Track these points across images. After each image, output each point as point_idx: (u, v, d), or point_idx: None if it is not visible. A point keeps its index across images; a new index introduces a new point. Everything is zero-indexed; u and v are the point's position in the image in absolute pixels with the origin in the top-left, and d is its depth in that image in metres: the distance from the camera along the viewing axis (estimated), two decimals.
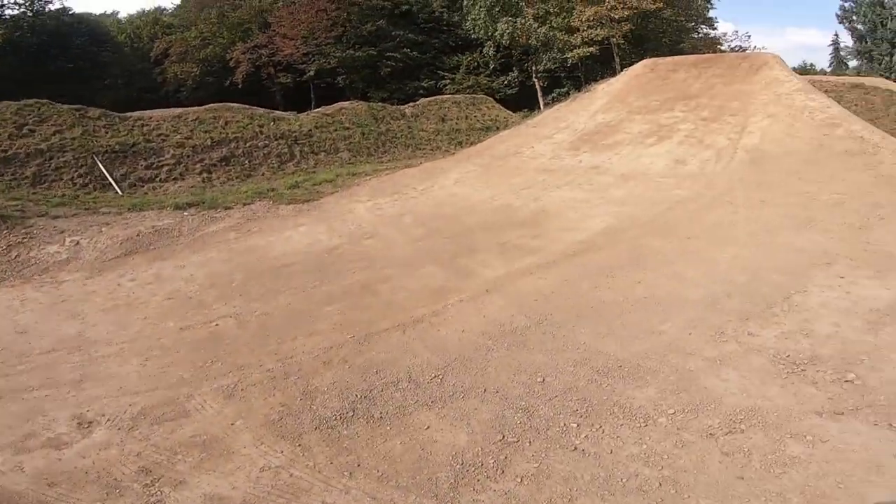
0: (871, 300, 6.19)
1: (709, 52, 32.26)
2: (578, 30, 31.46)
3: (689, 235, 9.29)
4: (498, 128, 24.56)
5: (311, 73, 38.02)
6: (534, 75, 33.70)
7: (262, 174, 19.22)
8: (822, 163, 11.76)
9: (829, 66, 75.00)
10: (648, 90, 18.88)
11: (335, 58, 37.56)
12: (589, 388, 5.17)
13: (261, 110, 22.03)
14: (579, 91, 23.94)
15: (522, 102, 36.35)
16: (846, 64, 75.58)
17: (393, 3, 42.52)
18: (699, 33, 41.33)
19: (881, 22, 66.57)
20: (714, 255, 8.25)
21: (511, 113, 29.39)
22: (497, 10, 33.90)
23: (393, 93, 38.91)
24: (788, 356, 5.35)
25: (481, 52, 38.35)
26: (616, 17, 29.73)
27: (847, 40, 69.86)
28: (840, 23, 71.24)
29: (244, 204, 13.59)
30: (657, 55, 26.02)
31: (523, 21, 31.74)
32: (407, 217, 12.37)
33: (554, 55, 32.86)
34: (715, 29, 41.37)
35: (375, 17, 40.59)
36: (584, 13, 30.61)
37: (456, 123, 25.95)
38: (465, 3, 35.47)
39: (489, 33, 34.03)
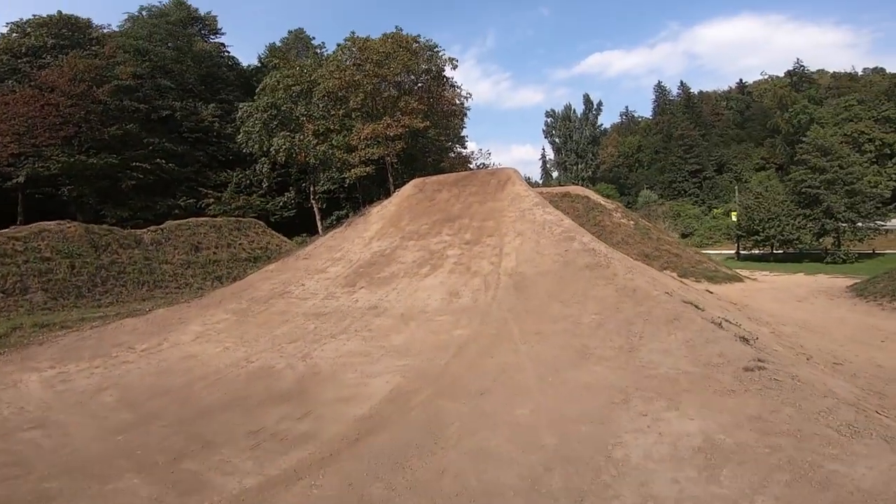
0: (685, 437, 5.80)
1: (463, 170, 34.70)
2: (357, 148, 30.98)
3: (482, 390, 7.78)
4: (268, 258, 21.40)
5: (21, 178, 29.94)
6: (312, 196, 31.86)
7: None
8: (571, 281, 11.75)
9: (540, 177, 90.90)
10: (418, 212, 18.16)
11: (58, 162, 30.36)
12: None
13: None
14: (357, 213, 22.52)
15: (301, 226, 34.09)
16: (551, 175, 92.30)
17: (150, 107, 37.42)
18: (454, 152, 45.08)
19: (569, 135, 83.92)
20: (514, 413, 6.91)
21: (285, 239, 26.64)
22: (275, 124, 31.78)
23: (138, 212, 33.04)
24: None
25: (255, 168, 35.32)
26: (391, 134, 30.04)
27: (550, 153, 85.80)
28: (545, 138, 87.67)
29: None
30: (424, 174, 26.61)
31: (302, 137, 30.06)
32: (108, 394, 8.78)
33: (333, 174, 31.66)
34: (465, 148, 45.72)
35: (125, 119, 34.88)
36: (363, 131, 30.37)
37: (214, 253, 22.04)
38: (239, 113, 32.64)
39: (264, 148, 31.44)
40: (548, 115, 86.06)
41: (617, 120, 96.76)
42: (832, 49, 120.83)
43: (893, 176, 61.43)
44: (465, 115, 37.22)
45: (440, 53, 33.93)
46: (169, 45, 41.48)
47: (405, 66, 31.46)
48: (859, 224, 48.94)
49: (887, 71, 76.93)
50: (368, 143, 31.27)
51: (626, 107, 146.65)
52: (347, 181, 31.35)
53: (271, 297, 14.13)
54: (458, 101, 35.41)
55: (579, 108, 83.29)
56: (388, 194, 29.66)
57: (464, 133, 44.48)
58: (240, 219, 26.45)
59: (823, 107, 68.49)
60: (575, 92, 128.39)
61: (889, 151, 61.74)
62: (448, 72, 34.48)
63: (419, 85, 34.11)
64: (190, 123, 41.03)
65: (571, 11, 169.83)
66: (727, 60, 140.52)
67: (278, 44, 51.81)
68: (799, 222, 49.40)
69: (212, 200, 36.08)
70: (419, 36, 33.42)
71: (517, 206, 16.23)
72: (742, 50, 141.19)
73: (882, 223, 51.06)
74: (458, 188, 18.76)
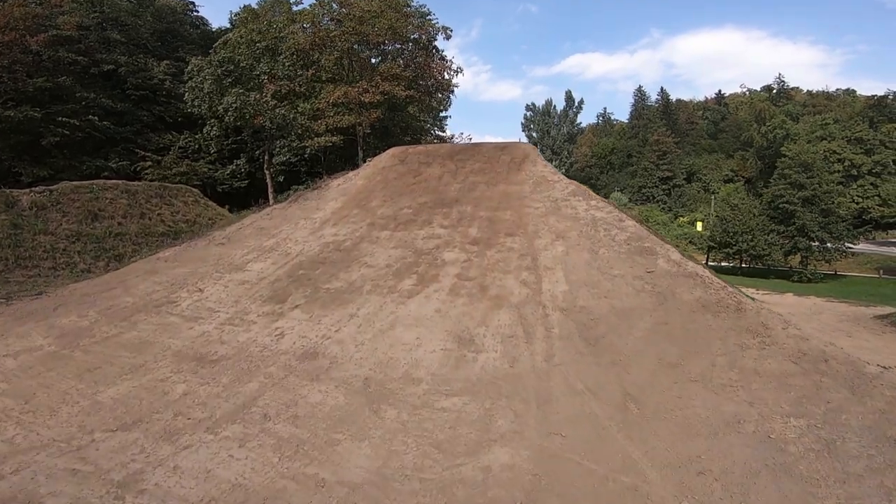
0: None
1: None
2: (324, 114, 24.54)
3: None
4: (194, 234, 14.95)
5: None
6: (265, 166, 25.26)
7: None
8: (689, 334, 6.29)
9: None
10: (398, 190, 12.21)
11: None
12: None
13: None
14: (310, 185, 16.35)
15: (254, 199, 27.38)
16: None
17: (91, 60, 30.03)
18: (433, 134, 38.76)
19: (547, 130, 79.41)
20: None
21: (224, 212, 20.13)
22: (229, 81, 24.73)
23: (60, 171, 26.07)
24: None
25: (204, 132, 28.15)
26: (367, 101, 23.73)
27: None
28: (523, 131, 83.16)
29: None
30: None
31: (259, 96, 23.28)
32: None
33: (292, 143, 24.98)
34: (444, 132, 39.38)
35: (59, 72, 27.57)
36: (333, 93, 23.94)
37: (119, 224, 15.50)
38: (189, 67, 25.33)
39: (214, 108, 24.31)
40: (528, 108, 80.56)
41: (593, 121, 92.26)
42: (805, 68, 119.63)
43: (856, 198, 58.90)
44: (453, 92, 30.96)
45: (432, 21, 27.71)
46: None
47: (392, 27, 25.11)
48: (828, 245, 45.94)
49: (858, 93, 74.90)
50: (338, 109, 24.85)
51: (605, 108, 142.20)
52: (309, 151, 24.75)
53: (141, 308, 7.97)
54: (446, 76, 29.20)
55: (559, 105, 78.09)
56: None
57: (446, 114, 38.24)
58: (165, 184, 19.65)
59: (800, 123, 65.51)
60: (552, 90, 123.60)
61: (856, 173, 59.14)
62: (440, 42, 28.34)
63: (404, 53, 27.79)
64: (136, 80, 33.78)
65: (559, 10, 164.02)
66: (703, 72, 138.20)
67: (255, 6, 44.00)
68: (772, 238, 45.94)
69: (149, 164, 28.87)
70: (411, 1, 27.11)
71: (545, 194, 10.50)
72: (719, 62, 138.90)
73: (850, 246, 48.25)
74: (454, 163, 12.83)
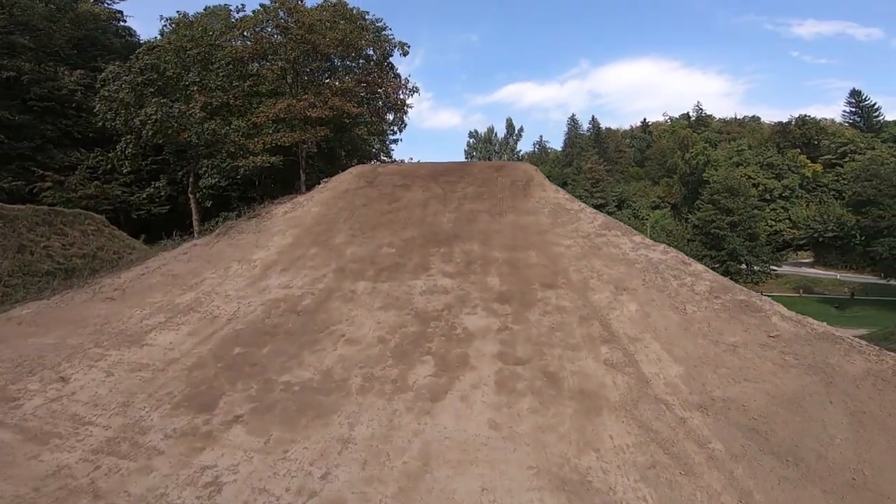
0: None
1: None
2: (262, 129, 20.96)
3: None
4: (95, 271, 10.97)
5: None
6: (189, 189, 21.18)
7: None
8: (880, 415, 4.06)
9: None
10: (370, 221, 9.22)
11: None
12: None
13: None
14: (247, 213, 12.93)
15: (177, 227, 23.02)
16: None
17: None
18: (380, 159, 35.59)
19: (488, 157, 79.35)
20: None
21: (137, 243, 16.15)
22: (151, 90, 20.35)
23: None
24: None
25: (118, 150, 23.34)
26: (314, 116, 20.40)
27: None
28: (466, 158, 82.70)
29: None
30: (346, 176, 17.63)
31: (185, 108, 19.27)
32: None
33: (221, 162, 21.07)
34: (390, 157, 36.11)
35: None
36: (275, 107, 20.46)
37: None
38: (102, 74, 20.60)
39: (129, 121, 19.76)
40: (471, 135, 79.86)
41: (531, 149, 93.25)
42: (714, 97, 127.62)
43: (769, 221, 62.31)
44: (406, 113, 28.18)
45: (389, 36, 25.05)
46: None
47: (345, 39, 22.17)
48: (756, 268, 47.61)
49: (762, 119, 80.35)
50: (279, 125, 21.41)
51: (541, 136, 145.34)
52: (242, 172, 20.94)
53: None
54: (401, 96, 26.46)
55: (501, 132, 77.95)
56: (298, 194, 20.05)
57: (398, 136, 35.22)
58: (57, 209, 15.26)
59: (718, 150, 69.02)
60: (491, 118, 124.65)
61: (769, 197, 62.64)
62: (396, 58, 25.70)
63: (355, 69, 24.83)
64: (41, 90, 28.39)
65: (499, 40, 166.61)
66: (626, 101, 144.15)
67: (191, 17, 39.46)
68: (706, 263, 46.87)
69: (49, 185, 23.76)
70: (367, 13, 24.35)
71: (570, 227, 7.96)
72: (641, 92, 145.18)
73: (775, 268, 50.34)
74: (440, 186, 10.03)
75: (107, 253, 13.79)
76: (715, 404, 4.42)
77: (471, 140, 78.40)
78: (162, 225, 24.18)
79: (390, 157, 38.32)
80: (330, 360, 5.17)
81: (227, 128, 21.12)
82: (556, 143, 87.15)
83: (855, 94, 68.63)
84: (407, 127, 28.38)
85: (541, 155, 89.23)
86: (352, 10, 23.32)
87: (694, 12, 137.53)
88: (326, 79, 23.82)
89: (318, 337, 5.61)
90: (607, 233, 7.83)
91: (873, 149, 60.62)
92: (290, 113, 20.77)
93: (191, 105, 19.99)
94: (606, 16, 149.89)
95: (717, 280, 6.57)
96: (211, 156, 20.83)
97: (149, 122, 19.12)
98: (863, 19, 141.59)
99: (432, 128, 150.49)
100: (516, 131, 74.60)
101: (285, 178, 24.07)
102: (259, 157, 20.44)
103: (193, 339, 5.93)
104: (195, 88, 21.69)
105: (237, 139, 20.80)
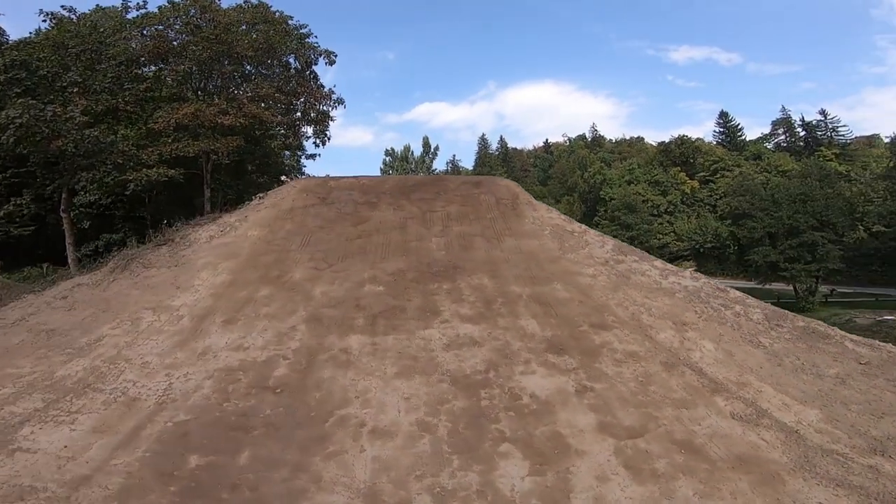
0: None
1: None
2: (159, 138, 17.75)
3: None
4: None
5: None
6: (62, 207, 17.27)
7: None
8: None
9: None
10: (334, 248, 7.35)
11: None
12: None
13: None
14: (147, 241, 10.17)
15: (46, 251, 18.63)
16: None
17: None
18: (293, 175, 32.45)
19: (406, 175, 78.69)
20: None
21: None
22: (17, 90, 17.00)
23: None
24: None
25: None
26: (226, 124, 17.57)
27: None
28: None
29: None
30: (255, 192, 15.37)
31: (61, 111, 15.82)
32: None
33: (105, 176, 17.34)
34: (302, 174, 32.86)
35: None
36: (178, 111, 17.42)
37: None
38: None
39: None
40: (387, 153, 77.52)
41: (444, 167, 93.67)
42: (604, 119, 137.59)
43: (657, 234, 67.97)
44: (328, 125, 25.79)
45: (313, 43, 22.77)
46: None
47: (266, 42, 19.70)
48: None
49: (645, 140, 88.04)
50: (181, 134, 18.43)
51: (454, 155, 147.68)
52: (131, 188, 17.45)
53: None
54: (324, 107, 24.16)
55: (417, 151, 77.19)
56: (199, 214, 17.03)
57: (318, 150, 32.42)
58: None
59: (612, 169, 74.09)
60: (404, 137, 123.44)
61: (657, 212, 68.34)
62: (321, 67, 23.52)
63: (272, 76, 22.25)
64: None
65: (414, 58, 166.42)
66: (528, 122, 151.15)
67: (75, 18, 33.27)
68: None
69: None
70: (291, 18, 21.90)
71: (583, 253, 6.94)
72: (541, 113, 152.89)
73: None
74: (414, 205, 8.36)
75: None
76: (883, 444, 3.38)
77: (387, 158, 76.64)
78: (25, 249, 19.46)
79: (302, 174, 35.14)
80: (363, 471, 3.26)
81: (114, 136, 17.61)
82: (468, 162, 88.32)
83: (723, 115, 77.90)
84: (330, 140, 25.88)
85: (454, 174, 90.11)
86: (274, 13, 20.86)
87: (591, 36, 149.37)
88: (240, 85, 21.02)
89: (325, 430, 3.65)
90: (625, 258, 6.72)
91: (739, 166, 68.75)
92: (196, 119, 17.80)
93: (69, 108, 16.24)
94: (515, 37, 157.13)
95: (766, 307, 5.68)
96: (92, 167, 16.97)
97: (11, 126, 15.32)
98: (726, 44, 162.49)
99: (343, 145, 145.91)
100: (432, 150, 74.41)
101: (184, 194, 20.61)
102: (154, 169, 17.11)
103: (106, 441, 3.63)
104: (75, 90, 17.90)
105: (126, 148, 17.30)
